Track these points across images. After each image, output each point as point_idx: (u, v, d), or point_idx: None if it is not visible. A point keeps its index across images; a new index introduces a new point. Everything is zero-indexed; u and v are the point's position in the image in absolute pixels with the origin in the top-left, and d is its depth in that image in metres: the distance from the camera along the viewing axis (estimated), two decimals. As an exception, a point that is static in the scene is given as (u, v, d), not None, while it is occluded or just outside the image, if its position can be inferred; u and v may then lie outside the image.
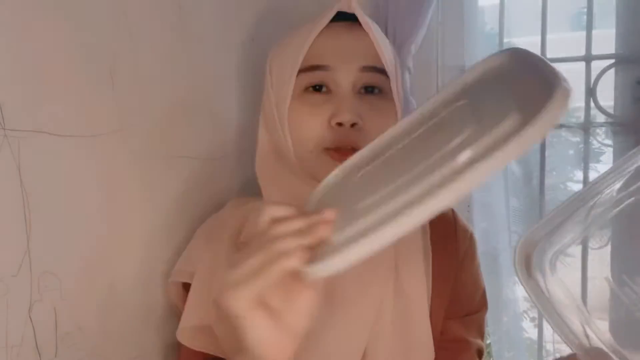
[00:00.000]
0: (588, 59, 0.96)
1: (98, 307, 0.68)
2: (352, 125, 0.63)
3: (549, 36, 0.98)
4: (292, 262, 0.43)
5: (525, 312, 1.11)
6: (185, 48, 0.79)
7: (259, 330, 0.44)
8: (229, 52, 0.88)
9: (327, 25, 0.65)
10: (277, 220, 0.46)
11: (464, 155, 0.38)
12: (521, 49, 0.46)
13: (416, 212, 0.39)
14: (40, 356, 0.61)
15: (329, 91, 0.65)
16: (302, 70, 0.65)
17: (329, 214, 0.45)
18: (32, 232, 0.60)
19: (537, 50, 0.99)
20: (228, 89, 0.88)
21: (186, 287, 0.71)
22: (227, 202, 0.78)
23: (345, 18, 0.66)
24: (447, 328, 0.67)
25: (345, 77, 0.64)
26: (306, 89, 0.66)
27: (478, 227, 0.89)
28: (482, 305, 0.71)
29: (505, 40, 1.02)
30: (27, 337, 0.60)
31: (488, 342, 1.20)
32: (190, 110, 0.80)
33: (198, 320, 0.67)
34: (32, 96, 0.60)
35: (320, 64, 0.64)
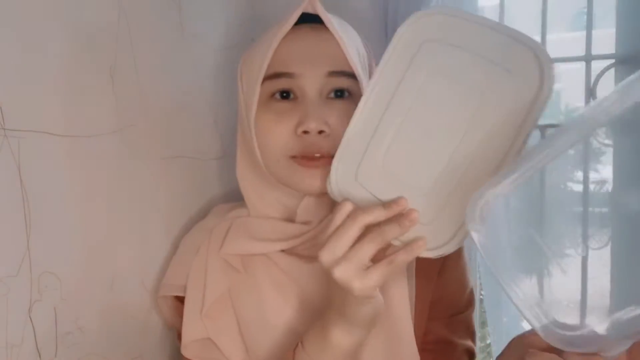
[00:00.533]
0: (588, 59, 0.96)
1: (98, 307, 0.68)
2: (320, 132, 0.62)
3: (549, 36, 0.98)
4: (418, 251, 0.51)
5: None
6: (185, 48, 0.79)
7: (380, 306, 0.55)
8: (228, 52, 0.88)
9: (293, 29, 0.64)
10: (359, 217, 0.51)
11: None
12: None
13: None
14: (40, 356, 0.61)
15: (295, 98, 0.64)
16: (267, 78, 0.64)
17: (404, 203, 0.52)
18: (32, 232, 0.60)
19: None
20: (228, 89, 0.88)
21: (179, 299, 0.71)
22: (213, 208, 0.78)
23: (311, 20, 0.64)
24: (431, 329, 0.67)
25: (311, 84, 0.63)
26: (272, 96, 0.64)
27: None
28: (469, 304, 0.70)
29: (505, 40, 1.02)
30: (27, 337, 0.60)
31: (488, 342, 1.20)
32: (190, 110, 0.80)
33: (199, 334, 0.67)
34: (32, 96, 0.60)
35: (285, 71, 0.63)
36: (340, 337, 0.56)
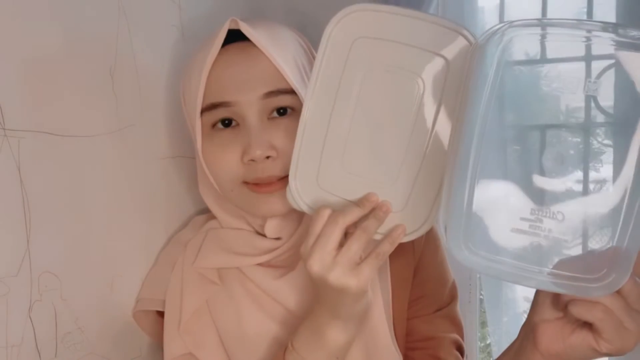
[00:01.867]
0: (588, 59, 0.96)
1: (98, 307, 0.68)
2: (267, 157, 0.61)
3: (549, 36, 0.98)
4: (400, 237, 0.54)
5: (525, 312, 1.11)
6: (185, 48, 0.79)
7: (370, 298, 0.57)
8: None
9: (223, 50, 0.62)
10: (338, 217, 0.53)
11: None
12: None
13: None
14: (40, 356, 0.61)
15: (237, 125, 0.63)
16: (205, 109, 0.63)
17: (375, 197, 0.54)
18: (32, 232, 0.60)
19: (537, 50, 0.99)
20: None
21: (161, 314, 0.70)
22: (190, 220, 0.78)
23: (241, 37, 0.62)
24: (415, 328, 0.67)
25: (248, 110, 0.61)
26: (214, 126, 0.63)
27: (478, 227, 0.88)
28: (452, 298, 0.70)
29: (506, 40, 1.02)
30: (27, 337, 0.60)
31: (488, 342, 1.20)
32: (190, 110, 0.80)
33: (181, 349, 0.67)
34: (32, 96, 0.60)
35: (220, 101, 0.62)
36: (336, 335, 0.56)
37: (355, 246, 0.52)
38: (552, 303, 0.51)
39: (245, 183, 0.63)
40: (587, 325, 0.49)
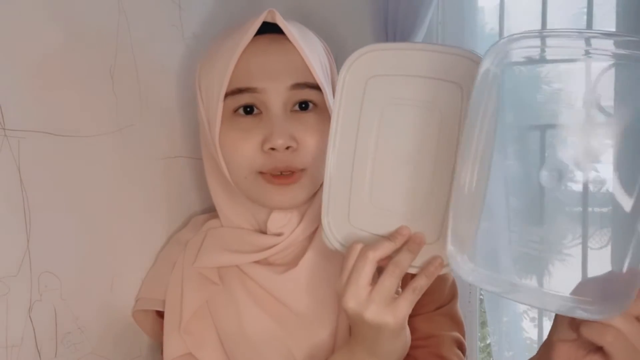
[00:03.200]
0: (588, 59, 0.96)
1: (98, 307, 0.68)
2: (287, 148, 0.61)
3: (549, 36, 0.98)
4: (438, 270, 0.53)
5: (525, 312, 1.11)
6: (185, 48, 0.79)
7: (409, 336, 0.58)
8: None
9: (253, 40, 0.62)
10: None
11: None
12: None
13: None
14: (40, 356, 0.61)
15: (259, 113, 0.63)
16: (229, 93, 0.62)
17: (407, 230, 0.54)
18: (32, 232, 0.60)
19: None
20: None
21: (161, 314, 0.70)
22: (190, 220, 0.78)
23: (271, 30, 0.63)
24: (415, 326, 0.66)
25: (274, 98, 0.61)
26: (235, 112, 0.63)
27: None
28: (452, 296, 0.70)
29: (506, 40, 1.02)
30: (27, 337, 0.60)
31: (488, 342, 1.20)
32: (190, 110, 0.80)
33: (180, 350, 0.67)
34: (32, 96, 0.60)
35: (247, 87, 0.61)
36: None
37: (388, 282, 0.52)
38: (569, 323, 0.49)
39: (260, 173, 0.63)
40: (600, 349, 0.47)
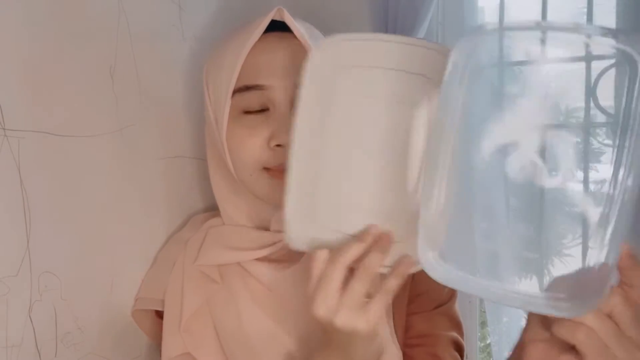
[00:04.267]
0: (588, 59, 0.96)
1: (98, 307, 0.68)
2: None
3: (549, 36, 0.98)
4: (408, 268, 0.51)
5: (525, 312, 1.11)
6: (185, 48, 0.79)
7: (382, 342, 0.56)
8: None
9: (260, 38, 0.62)
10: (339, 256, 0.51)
11: None
12: None
13: None
14: (40, 356, 0.61)
15: (266, 110, 0.63)
16: (236, 90, 0.62)
17: (376, 228, 0.51)
18: (32, 232, 0.60)
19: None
20: (228, 89, 0.88)
21: (159, 314, 0.70)
22: (190, 219, 0.78)
23: (278, 27, 0.63)
24: (413, 324, 0.67)
25: (282, 96, 0.62)
26: (242, 109, 0.64)
27: (478, 227, 0.88)
28: (451, 295, 0.70)
29: (505, 40, 1.02)
30: (27, 337, 0.60)
31: (488, 342, 1.20)
32: (190, 110, 0.80)
33: (179, 349, 0.66)
34: (32, 96, 0.60)
35: (255, 84, 0.62)
36: None
37: (358, 285, 0.50)
38: (541, 322, 0.49)
39: (266, 169, 0.63)
40: (573, 348, 0.45)
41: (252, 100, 0.63)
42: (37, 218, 0.61)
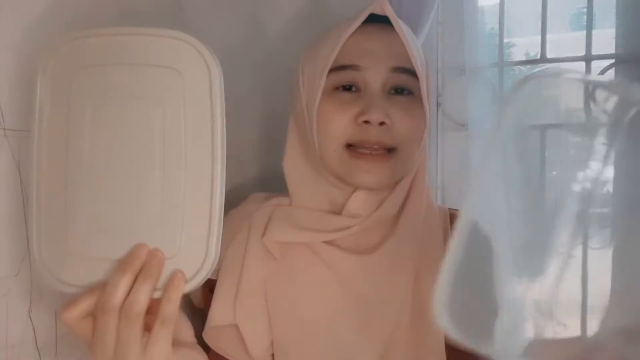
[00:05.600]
0: (588, 59, 0.96)
1: (98, 307, 0.68)
2: (380, 124, 0.63)
3: (549, 36, 0.98)
4: (179, 288, 0.47)
5: (525, 312, 1.11)
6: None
7: None
8: (228, 52, 0.88)
9: (358, 27, 0.65)
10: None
11: None
12: None
13: None
14: (40, 356, 0.61)
15: (358, 90, 0.65)
16: (332, 70, 0.65)
17: (142, 249, 0.47)
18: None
19: (537, 51, 0.99)
20: (227, 89, 0.88)
21: (208, 283, 0.70)
22: (247, 198, 0.77)
23: (376, 20, 0.66)
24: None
25: (375, 77, 0.64)
26: (336, 88, 0.66)
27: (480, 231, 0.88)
28: None
29: (505, 40, 1.02)
30: (27, 337, 0.60)
31: (488, 342, 1.20)
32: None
33: (227, 320, 0.66)
34: (32, 96, 0.60)
35: (351, 64, 0.65)
36: None
37: (127, 330, 0.45)
38: None
39: (348, 147, 0.64)
40: None
41: (346, 78, 0.65)
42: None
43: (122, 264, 0.46)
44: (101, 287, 0.46)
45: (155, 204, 0.48)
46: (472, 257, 0.45)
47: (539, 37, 0.99)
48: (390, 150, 0.64)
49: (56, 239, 0.49)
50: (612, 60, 0.94)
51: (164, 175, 0.48)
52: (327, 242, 0.67)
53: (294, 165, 0.72)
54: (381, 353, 0.63)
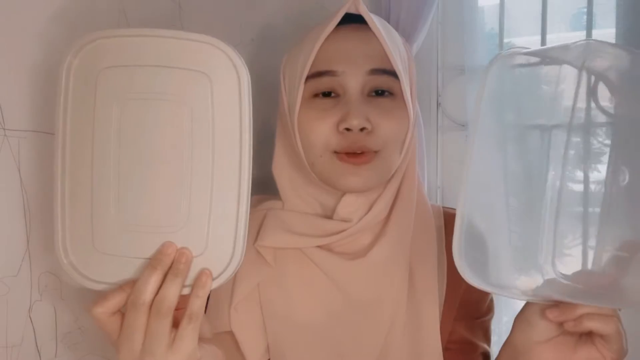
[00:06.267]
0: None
1: (98, 307, 0.68)
2: (362, 129, 0.62)
3: (549, 36, 0.98)
4: (207, 285, 0.48)
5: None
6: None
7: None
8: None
9: (335, 29, 0.64)
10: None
11: None
12: None
13: None
14: (40, 356, 0.61)
15: (337, 95, 0.64)
16: (310, 77, 0.64)
17: (170, 247, 0.48)
18: (32, 232, 0.60)
19: (537, 50, 0.99)
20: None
21: None
22: None
23: (353, 20, 0.65)
24: (454, 329, 0.67)
25: (353, 82, 0.63)
26: (315, 94, 0.65)
27: (478, 228, 0.88)
28: (490, 309, 0.71)
29: (506, 40, 1.02)
30: (27, 337, 0.60)
31: (488, 342, 1.20)
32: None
33: (220, 327, 0.65)
34: (32, 96, 0.60)
35: (327, 70, 0.64)
36: None
37: (156, 325, 0.46)
38: (545, 323, 0.50)
39: (335, 153, 0.64)
40: (587, 339, 0.49)
41: (324, 85, 0.64)
42: (37, 218, 0.60)
43: (151, 262, 0.48)
44: (131, 285, 0.47)
45: (184, 204, 0.49)
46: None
47: (539, 37, 0.99)
48: (375, 152, 0.64)
49: (83, 238, 0.49)
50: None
51: (192, 175, 0.49)
52: (319, 246, 0.67)
53: (282, 170, 0.71)
54: (377, 355, 0.63)
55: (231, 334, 0.65)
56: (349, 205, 0.67)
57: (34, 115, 0.60)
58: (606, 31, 0.96)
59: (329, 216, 0.68)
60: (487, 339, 0.70)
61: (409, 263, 0.67)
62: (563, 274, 0.48)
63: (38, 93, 0.61)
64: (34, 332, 0.61)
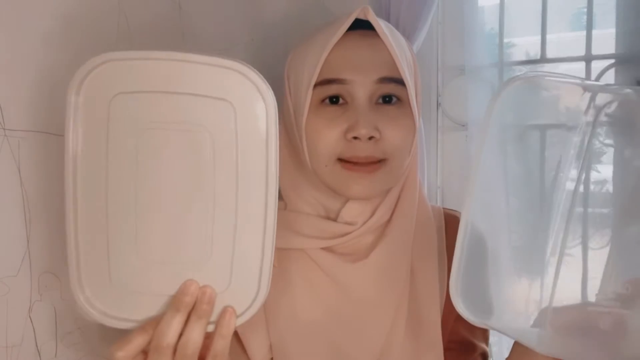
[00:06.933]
0: (588, 59, 0.96)
1: (98, 307, 0.68)
2: (370, 138, 0.62)
3: (549, 36, 0.98)
4: (230, 324, 0.47)
5: (525, 312, 1.11)
6: (185, 48, 0.79)
7: None
8: (228, 52, 0.88)
9: (344, 35, 0.64)
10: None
11: None
12: None
13: None
14: (40, 356, 0.61)
15: (345, 103, 0.64)
16: (318, 84, 0.64)
17: (192, 285, 0.46)
18: (32, 232, 0.60)
19: (537, 50, 0.99)
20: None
21: None
22: None
23: (361, 26, 0.64)
24: (454, 329, 0.67)
25: (361, 90, 0.63)
26: (322, 102, 0.65)
27: (478, 228, 0.88)
28: None
29: (505, 40, 1.02)
30: (27, 337, 0.60)
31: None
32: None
33: None
34: (32, 96, 0.60)
35: (336, 78, 0.63)
36: None
37: None
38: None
39: (340, 160, 0.64)
40: None
41: (331, 91, 0.64)
42: (37, 218, 0.60)
43: (173, 303, 0.46)
44: (153, 324, 0.46)
45: (206, 237, 0.46)
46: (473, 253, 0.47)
47: (539, 37, 0.99)
48: (380, 160, 0.63)
49: (99, 272, 0.47)
50: (612, 60, 0.94)
51: (215, 208, 0.46)
52: (323, 248, 0.67)
53: (285, 171, 0.71)
54: (379, 355, 0.64)
55: (235, 333, 0.65)
56: (353, 210, 0.67)
57: (34, 115, 0.60)
58: (606, 31, 0.96)
59: (332, 218, 0.68)
60: (486, 339, 0.70)
61: (410, 264, 0.67)
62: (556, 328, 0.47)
63: (38, 93, 0.61)
64: (34, 332, 0.61)
